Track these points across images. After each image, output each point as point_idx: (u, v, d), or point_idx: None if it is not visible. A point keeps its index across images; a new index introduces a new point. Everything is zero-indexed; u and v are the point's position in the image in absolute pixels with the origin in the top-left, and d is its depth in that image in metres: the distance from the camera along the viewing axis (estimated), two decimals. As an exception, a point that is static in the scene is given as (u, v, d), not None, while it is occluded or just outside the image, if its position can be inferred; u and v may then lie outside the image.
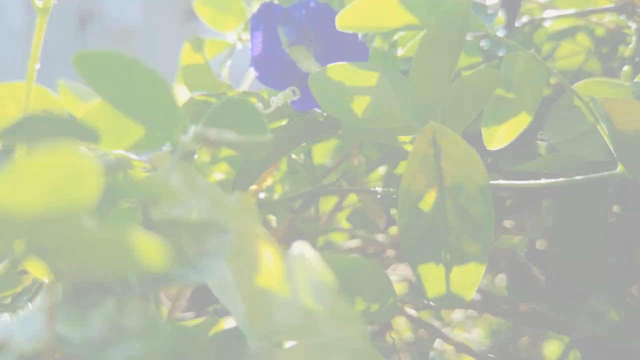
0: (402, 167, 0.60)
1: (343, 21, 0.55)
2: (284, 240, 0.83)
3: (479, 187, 0.47)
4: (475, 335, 1.10)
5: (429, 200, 0.48)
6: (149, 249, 0.26)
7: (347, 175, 0.66)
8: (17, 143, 0.45)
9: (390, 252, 0.85)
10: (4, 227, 0.24)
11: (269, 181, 0.68)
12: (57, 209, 0.24)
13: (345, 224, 0.90)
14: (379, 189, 0.60)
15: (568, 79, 0.83)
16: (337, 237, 0.94)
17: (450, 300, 0.49)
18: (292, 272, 0.36)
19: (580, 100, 0.53)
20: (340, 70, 0.53)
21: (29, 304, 0.38)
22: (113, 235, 0.25)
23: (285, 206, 0.75)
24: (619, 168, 0.51)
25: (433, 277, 0.48)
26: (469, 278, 0.48)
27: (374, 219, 0.66)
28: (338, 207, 0.84)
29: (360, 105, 0.53)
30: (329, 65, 0.53)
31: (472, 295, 0.49)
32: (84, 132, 0.32)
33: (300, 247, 0.37)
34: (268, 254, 0.36)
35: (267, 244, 0.36)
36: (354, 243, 0.92)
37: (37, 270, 0.37)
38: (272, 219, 0.76)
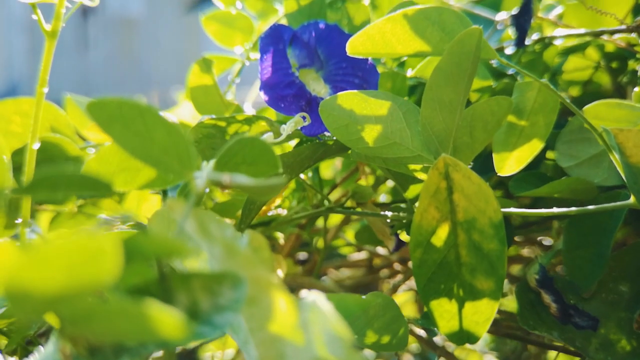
0: (412, 191, 0.59)
1: (354, 47, 0.54)
2: (291, 254, 0.83)
3: (492, 222, 0.47)
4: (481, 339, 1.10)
5: (441, 235, 0.48)
6: (166, 321, 0.25)
7: (355, 195, 0.65)
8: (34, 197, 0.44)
9: (397, 265, 0.85)
10: (25, 303, 0.24)
11: (277, 201, 0.68)
12: (76, 287, 0.24)
13: (352, 237, 0.90)
14: (389, 213, 0.60)
15: (578, 90, 0.83)
16: (344, 249, 0.94)
17: (463, 337, 0.48)
18: (306, 321, 0.36)
19: (592, 129, 0.52)
20: (350, 99, 0.53)
21: (41, 347, 0.38)
22: (131, 309, 0.25)
23: (293, 223, 0.75)
24: (632, 199, 0.51)
25: (446, 313, 0.48)
26: (482, 314, 0.47)
27: (382, 240, 0.66)
28: (345, 220, 0.84)
29: (371, 134, 0.52)
30: (339, 94, 0.53)
31: (485, 331, 0.48)
32: (98, 186, 0.32)
33: (314, 296, 0.37)
34: (282, 301, 0.36)
35: (281, 291, 0.36)
36: (361, 254, 0.92)
37: (50, 317, 0.37)
38: (280, 236, 0.75)
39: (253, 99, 0.85)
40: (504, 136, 0.57)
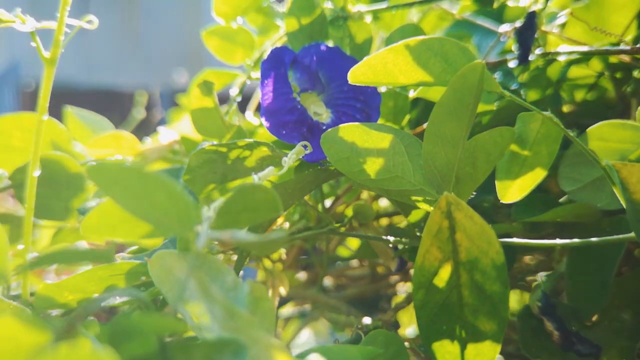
0: (414, 216, 0.59)
1: (355, 76, 0.54)
2: (292, 266, 0.83)
3: (495, 264, 0.46)
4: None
5: (443, 276, 0.48)
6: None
7: (357, 216, 0.65)
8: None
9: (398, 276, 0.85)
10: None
11: (279, 222, 0.68)
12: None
13: (354, 245, 0.90)
14: (391, 238, 0.60)
15: (582, 94, 0.82)
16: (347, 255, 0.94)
17: (465, 379, 0.49)
18: (308, 381, 0.36)
19: (596, 162, 0.52)
20: (352, 131, 0.52)
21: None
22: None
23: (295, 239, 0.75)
24: (633, 234, 0.50)
25: (448, 354, 0.48)
26: (484, 356, 0.47)
27: (384, 260, 0.66)
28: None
29: (372, 166, 0.52)
30: (341, 126, 0.53)
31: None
32: (101, 258, 0.32)
33: (314, 357, 0.37)
34: (283, 362, 0.36)
35: (282, 352, 0.36)
36: (364, 261, 0.92)
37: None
38: (282, 251, 0.75)
39: (254, 107, 0.84)
40: (506, 165, 0.57)
